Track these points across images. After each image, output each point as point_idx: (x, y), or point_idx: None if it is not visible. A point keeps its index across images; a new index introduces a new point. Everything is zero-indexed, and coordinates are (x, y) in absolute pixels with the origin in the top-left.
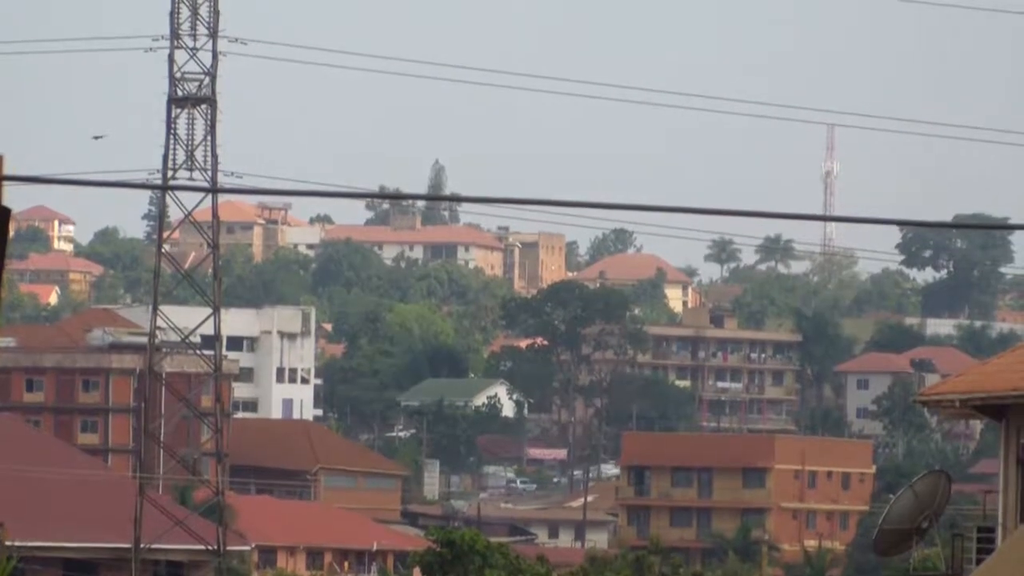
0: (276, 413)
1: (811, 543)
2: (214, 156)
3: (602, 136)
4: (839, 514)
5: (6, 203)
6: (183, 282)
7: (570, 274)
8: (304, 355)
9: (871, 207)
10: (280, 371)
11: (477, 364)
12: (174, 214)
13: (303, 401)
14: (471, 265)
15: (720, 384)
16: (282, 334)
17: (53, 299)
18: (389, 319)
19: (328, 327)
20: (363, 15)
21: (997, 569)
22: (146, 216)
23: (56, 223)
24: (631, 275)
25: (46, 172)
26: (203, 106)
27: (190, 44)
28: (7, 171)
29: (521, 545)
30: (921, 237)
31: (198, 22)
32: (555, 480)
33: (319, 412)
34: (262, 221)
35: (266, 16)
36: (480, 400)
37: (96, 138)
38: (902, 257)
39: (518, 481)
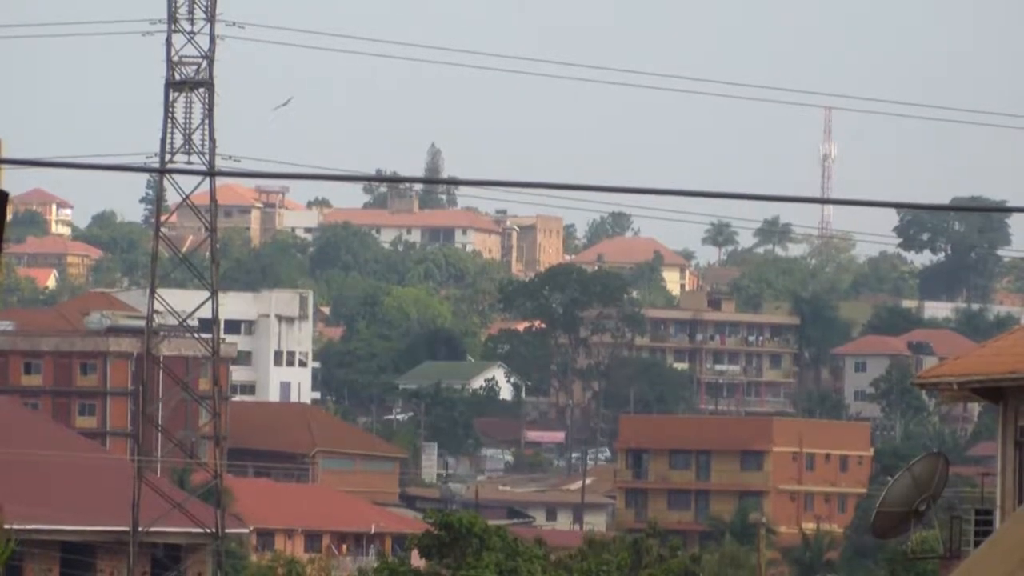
0: (274, 396)
1: (809, 526)
2: (212, 140)
3: (599, 119)
4: (837, 496)
5: (4, 186)
6: (181, 265)
7: (568, 257)
8: (302, 338)
9: (868, 190)
10: (278, 354)
11: (475, 347)
12: (172, 198)
13: (301, 384)
14: (469, 248)
15: (718, 367)
16: (280, 317)
17: (51, 282)
18: (387, 302)
19: (326, 310)
20: None
21: (995, 551)
22: (144, 200)
23: (54, 206)
24: (629, 258)
25: (44, 156)
26: (201, 90)
27: (188, 28)
28: (5, 154)
29: (519, 528)
30: (919, 220)
31: (195, 5)
32: (552, 463)
33: (317, 395)
34: (260, 205)
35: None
36: (478, 383)
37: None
38: (900, 240)
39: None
